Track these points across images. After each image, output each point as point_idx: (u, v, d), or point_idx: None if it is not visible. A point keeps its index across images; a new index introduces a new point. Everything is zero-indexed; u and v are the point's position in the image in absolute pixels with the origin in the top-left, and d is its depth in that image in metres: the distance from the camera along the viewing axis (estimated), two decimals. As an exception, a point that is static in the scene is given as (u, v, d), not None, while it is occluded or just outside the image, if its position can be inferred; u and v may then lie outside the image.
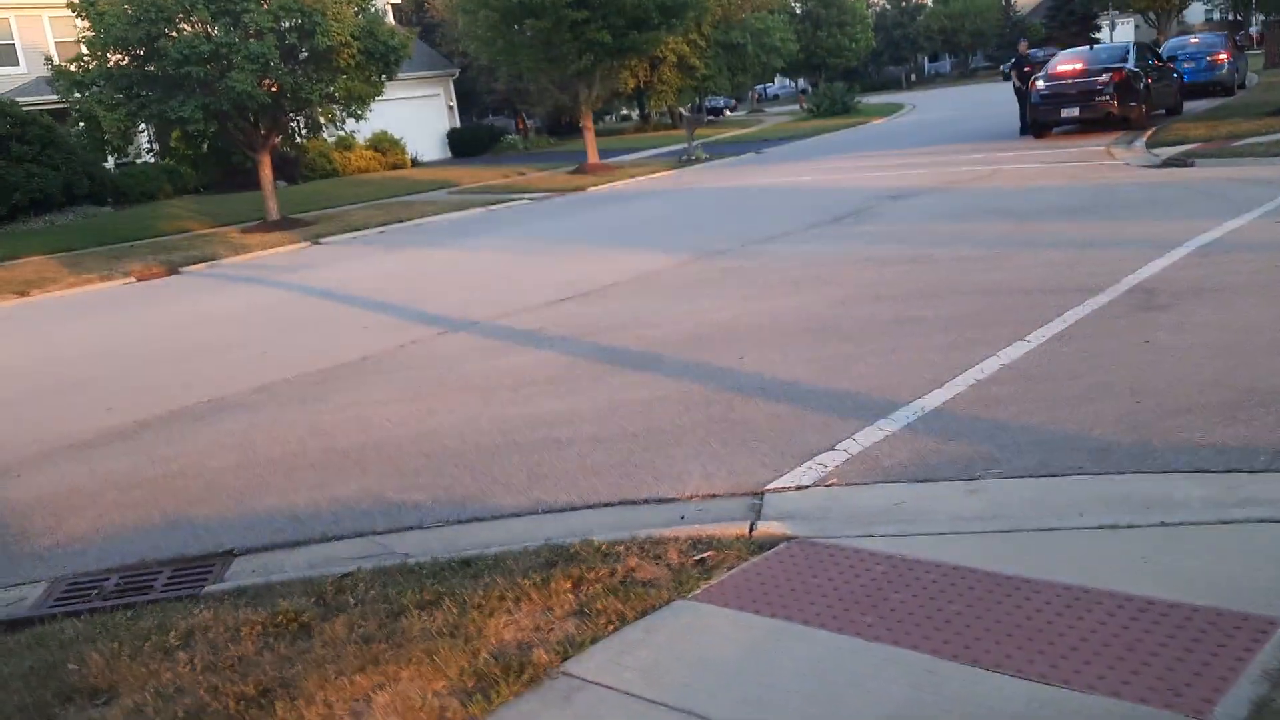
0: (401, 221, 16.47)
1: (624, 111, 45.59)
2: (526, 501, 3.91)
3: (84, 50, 15.61)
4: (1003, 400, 4.19)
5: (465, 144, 33.16)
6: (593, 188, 19.17)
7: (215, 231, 17.69)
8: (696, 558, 3.07)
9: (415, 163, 30.31)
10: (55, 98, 18.07)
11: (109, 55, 15.41)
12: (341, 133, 23.21)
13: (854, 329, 5.80)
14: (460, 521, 3.82)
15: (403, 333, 7.45)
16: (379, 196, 21.09)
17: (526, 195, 18.68)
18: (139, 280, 13.22)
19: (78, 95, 15.67)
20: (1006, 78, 47.98)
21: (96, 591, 3.56)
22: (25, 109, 21.02)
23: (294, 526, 3.99)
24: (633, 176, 20.34)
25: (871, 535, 3.03)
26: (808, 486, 3.58)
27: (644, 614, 2.74)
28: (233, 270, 13.32)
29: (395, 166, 29.12)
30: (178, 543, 3.98)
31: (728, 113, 47.07)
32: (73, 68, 15.62)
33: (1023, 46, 19.53)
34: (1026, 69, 17.73)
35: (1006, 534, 2.92)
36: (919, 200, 11.40)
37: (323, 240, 15.42)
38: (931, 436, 3.90)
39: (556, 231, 13.13)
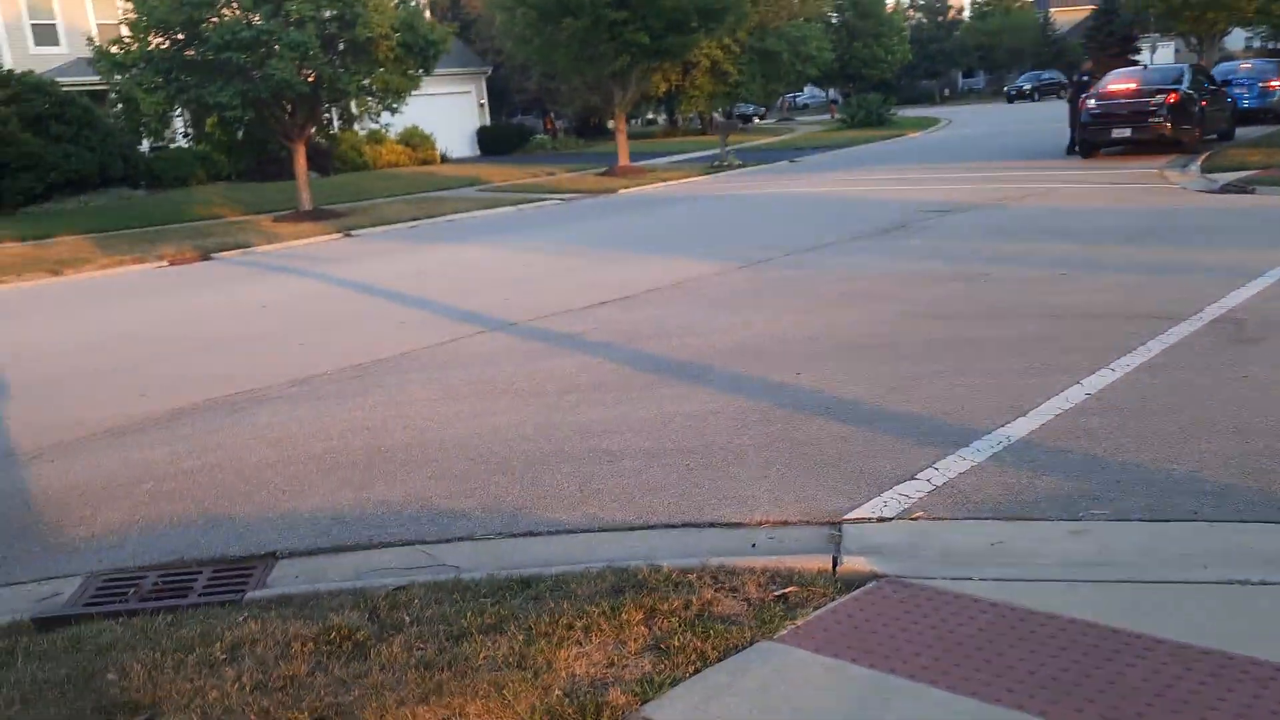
0: (432, 217, 16.36)
1: (650, 115, 45.43)
2: (580, 517, 3.71)
3: (125, 32, 15.61)
4: (1096, 433, 3.94)
5: (494, 142, 33.15)
6: (623, 190, 18.98)
7: (248, 219, 17.66)
8: (777, 593, 2.86)
9: (444, 159, 30.28)
10: (94, 78, 18.15)
11: (150, 38, 15.40)
12: (375, 125, 23.16)
13: (914, 348, 5.56)
14: (513, 535, 3.62)
15: (440, 330, 7.28)
16: (409, 191, 21.01)
17: (556, 195, 18.52)
18: (171, 264, 13.16)
19: (118, 77, 15.69)
20: (1010, 99, 47.34)
21: (133, 590, 3.38)
22: (65, 89, 21.12)
23: (338, 529, 3.81)
24: (664, 180, 20.14)
25: (970, 578, 2.80)
26: (890, 519, 3.35)
27: (726, 654, 2.53)
28: (265, 259, 13.23)
29: (424, 162, 29.09)
30: (217, 540, 3.80)
31: (756, 120, 46.79)
32: (114, 50, 15.64)
33: (1087, 65, 19.13)
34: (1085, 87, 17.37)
35: (1123, 585, 2.68)
36: (968, 216, 11.12)
37: (354, 233, 15.32)
38: (1023, 469, 3.65)
39: (590, 233, 12.94)
